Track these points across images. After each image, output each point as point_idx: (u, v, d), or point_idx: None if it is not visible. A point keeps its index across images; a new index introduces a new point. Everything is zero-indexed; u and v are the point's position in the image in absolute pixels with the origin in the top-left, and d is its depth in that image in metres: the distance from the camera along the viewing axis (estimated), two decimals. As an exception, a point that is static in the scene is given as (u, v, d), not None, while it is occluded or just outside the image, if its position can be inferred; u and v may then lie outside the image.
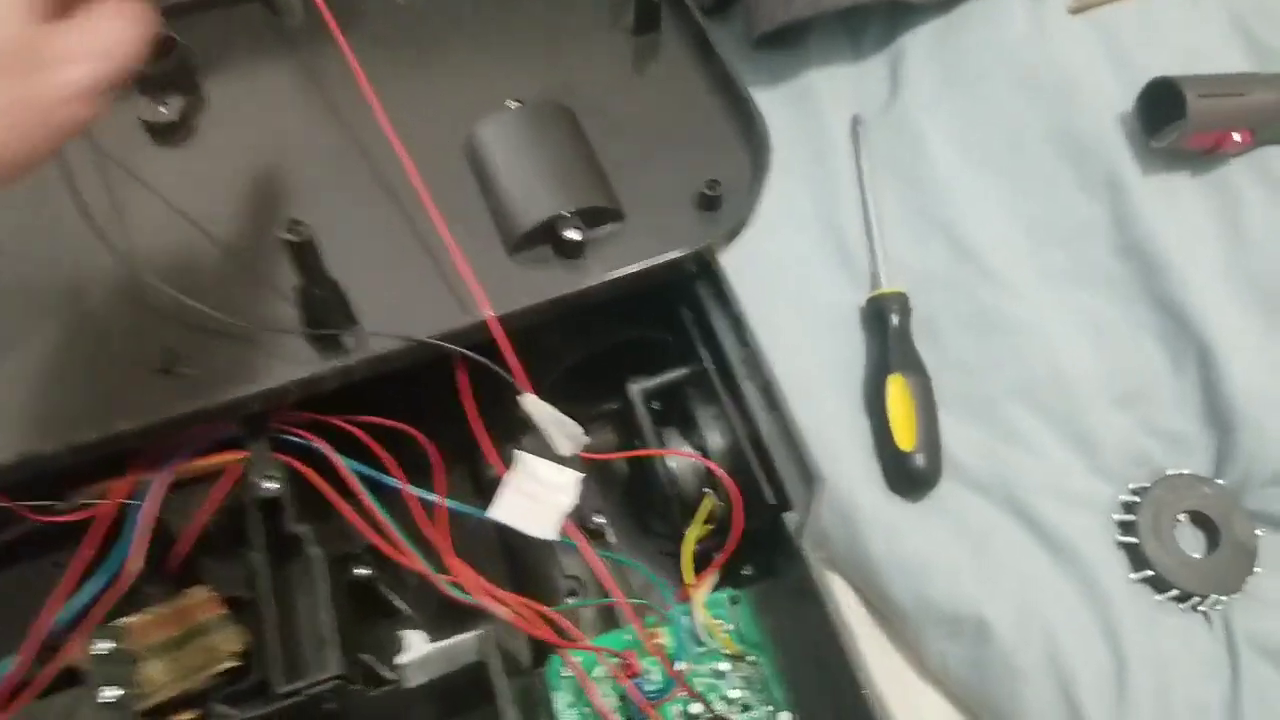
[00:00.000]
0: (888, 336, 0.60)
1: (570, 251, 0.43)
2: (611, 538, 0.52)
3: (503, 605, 0.39)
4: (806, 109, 0.69)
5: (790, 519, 0.39)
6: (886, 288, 0.62)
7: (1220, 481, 0.60)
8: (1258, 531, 0.58)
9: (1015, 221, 0.65)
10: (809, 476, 0.40)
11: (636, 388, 0.48)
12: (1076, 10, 0.70)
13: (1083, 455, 0.60)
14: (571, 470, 0.39)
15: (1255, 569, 0.58)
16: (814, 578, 0.37)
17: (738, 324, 0.42)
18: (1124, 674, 0.54)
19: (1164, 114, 0.64)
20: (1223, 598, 0.57)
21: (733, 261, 0.58)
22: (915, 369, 0.59)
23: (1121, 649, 0.54)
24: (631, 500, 0.53)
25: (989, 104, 0.68)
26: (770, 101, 0.67)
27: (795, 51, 0.72)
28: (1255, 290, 0.63)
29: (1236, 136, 0.64)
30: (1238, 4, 0.72)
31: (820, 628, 0.39)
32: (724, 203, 0.45)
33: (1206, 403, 0.61)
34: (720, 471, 0.44)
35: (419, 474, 0.43)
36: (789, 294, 0.61)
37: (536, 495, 0.39)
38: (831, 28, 0.72)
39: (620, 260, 0.43)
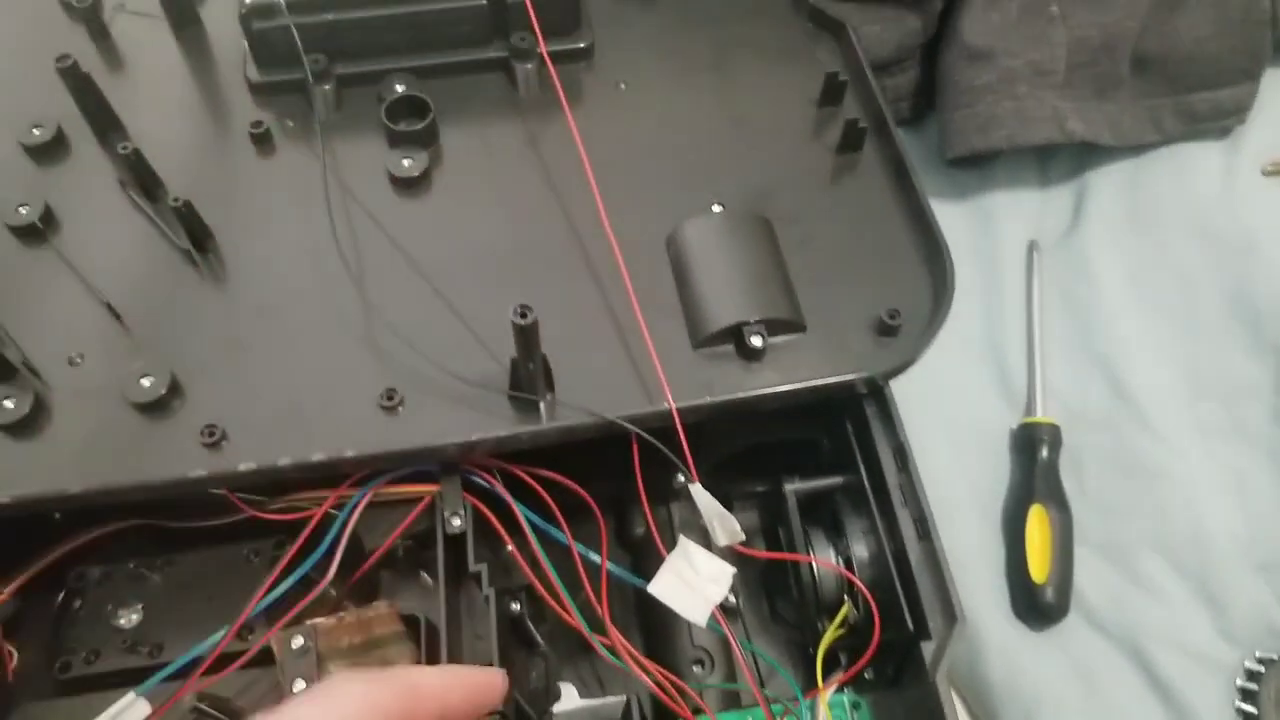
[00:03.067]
0: (1035, 466, 0.62)
1: (751, 355, 0.47)
2: (742, 619, 0.55)
3: (646, 674, 0.42)
4: (986, 229, 0.72)
5: (927, 649, 0.42)
6: (1040, 416, 0.64)
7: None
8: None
9: (1176, 370, 0.66)
10: (951, 614, 0.42)
11: (791, 488, 0.51)
12: (1271, 173, 0.71)
13: (1212, 614, 0.60)
14: (725, 563, 0.43)
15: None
16: (942, 712, 0.39)
17: (901, 452, 0.45)
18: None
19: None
20: (1336, 782, 0.57)
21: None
22: (1058, 502, 0.61)
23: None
24: (765, 584, 0.56)
25: (1168, 251, 0.70)
26: (950, 216, 0.70)
27: (983, 171, 0.75)
28: None
29: None
30: None
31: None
32: (901, 332, 0.48)
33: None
34: (862, 586, 0.47)
35: (577, 527, 0.47)
36: (945, 412, 0.64)
37: (691, 581, 0.42)
38: (1021, 154, 0.75)
39: (795, 372, 0.46)
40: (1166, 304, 0.68)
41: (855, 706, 0.49)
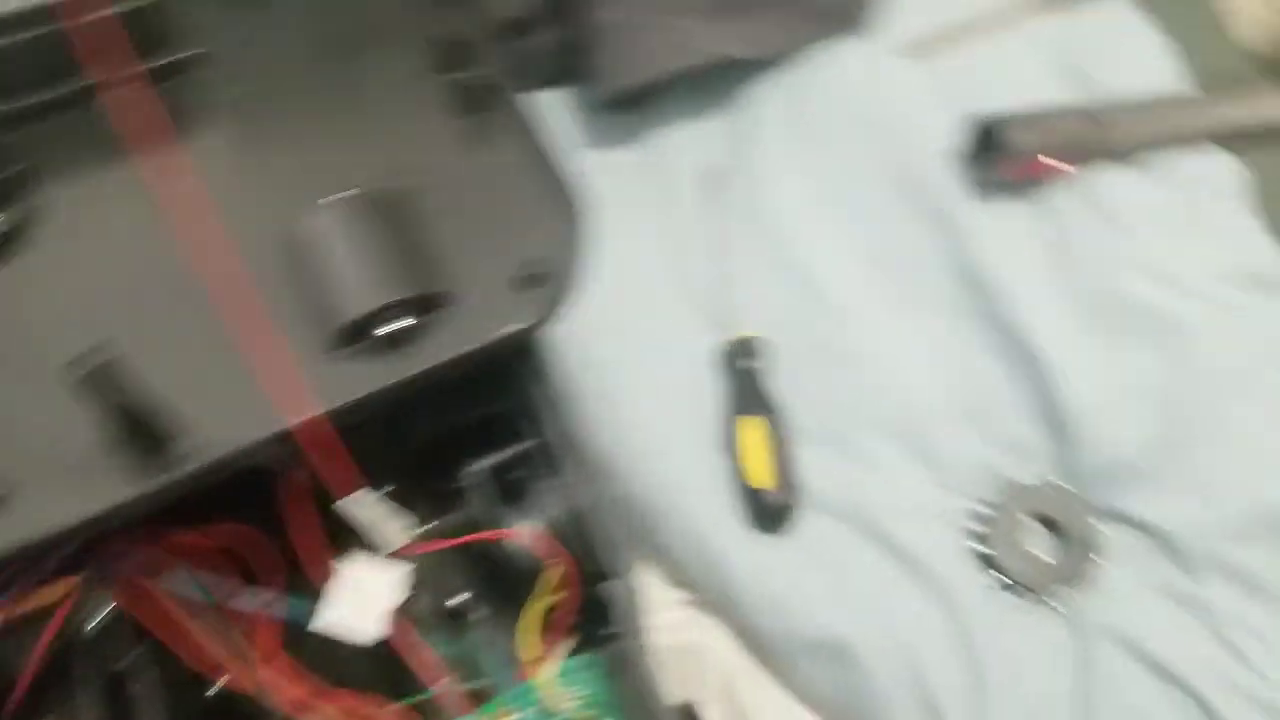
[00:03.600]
0: (743, 379, 0.64)
1: (397, 341, 0.46)
2: (476, 615, 0.54)
3: (325, 709, 0.41)
4: (660, 165, 0.72)
5: (612, 588, 0.42)
6: (739, 333, 0.65)
7: (1061, 484, 0.63)
8: (1100, 527, 0.62)
9: (859, 256, 0.69)
10: (633, 543, 0.42)
11: (473, 469, 0.51)
12: (910, 54, 0.75)
13: (931, 472, 0.63)
14: (397, 565, 0.42)
15: (1098, 561, 0.61)
16: (630, 645, 0.40)
17: (557, 399, 0.45)
18: (981, 676, 0.57)
19: (988, 148, 0.68)
20: (1071, 591, 0.61)
21: (581, 329, 0.61)
22: (768, 409, 0.63)
23: (977, 653, 0.58)
24: (479, 574, 0.56)
25: (829, 147, 0.72)
26: (621, 164, 0.71)
27: (647, 111, 0.76)
28: (1081, 305, 0.67)
29: (1056, 165, 0.68)
30: (1064, 42, 0.77)
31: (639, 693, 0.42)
32: (549, 283, 0.48)
33: (1043, 412, 0.65)
34: (551, 544, 0.47)
35: (274, 572, 0.44)
36: (651, 346, 0.64)
37: (361, 599, 0.41)
38: (682, 85, 0.75)
39: (447, 346, 0.46)
40: (836, 197, 0.71)
41: (590, 666, 0.49)
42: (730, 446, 0.62)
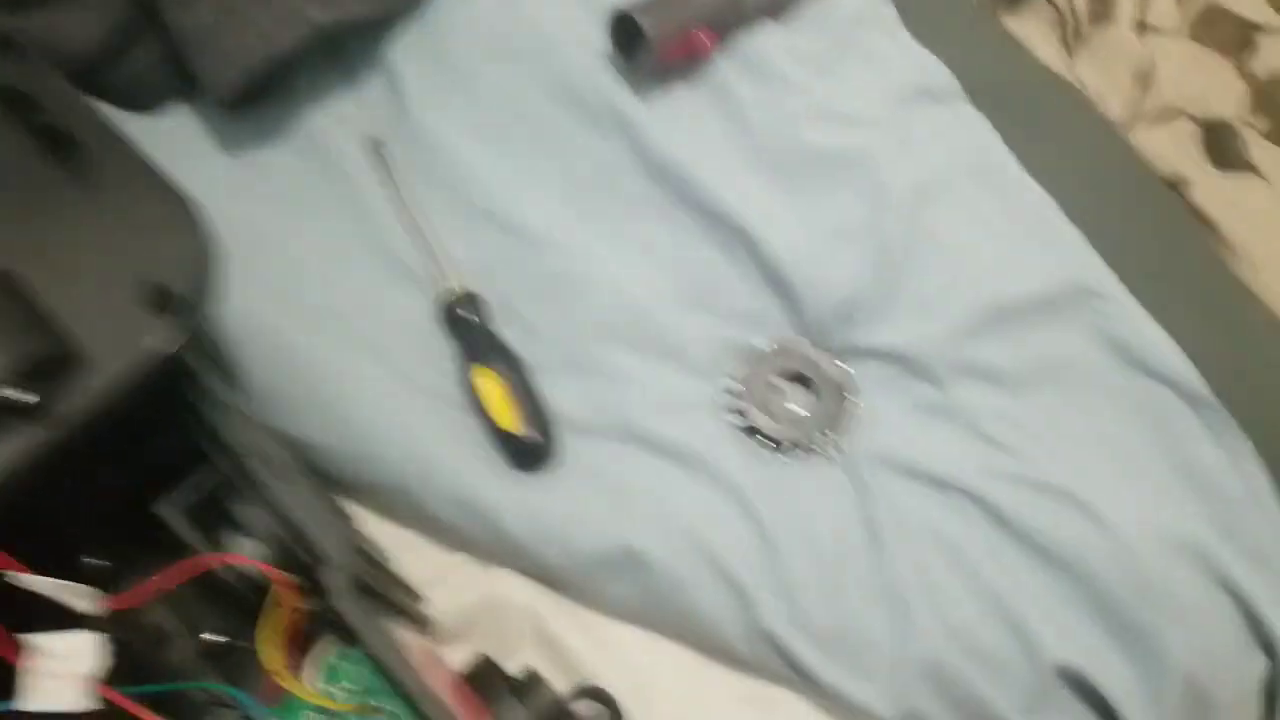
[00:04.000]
0: (464, 333, 0.62)
1: (26, 415, 0.41)
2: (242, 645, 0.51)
3: None
4: (319, 152, 0.69)
5: (328, 575, 0.40)
6: (450, 290, 0.64)
7: (799, 339, 0.65)
8: (846, 367, 0.64)
9: (549, 180, 0.68)
10: (344, 528, 0.40)
11: (167, 508, 0.48)
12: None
13: (676, 365, 0.64)
14: (85, 633, 0.39)
15: (853, 400, 0.63)
16: (352, 622, 0.38)
17: (266, 404, 0.43)
18: (770, 540, 0.58)
19: (633, 40, 0.68)
20: (835, 434, 0.62)
21: (281, 327, 0.59)
22: (497, 354, 0.61)
23: (760, 520, 0.58)
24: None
25: (482, 85, 0.70)
26: (279, 154, 0.67)
27: (288, 101, 0.71)
28: (768, 167, 0.68)
29: (704, 40, 0.69)
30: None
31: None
32: (178, 302, 0.44)
33: (763, 278, 0.66)
34: (271, 558, 0.45)
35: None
36: (370, 334, 0.62)
37: (59, 670, 0.38)
38: (312, 65, 0.71)
39: (82, 403, 0.42)
40: (509, 132, 0.69)
41: (353, 659, 0.46)
42: (473, 400, 0.61)
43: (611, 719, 0.55)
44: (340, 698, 0.45)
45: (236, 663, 0.45)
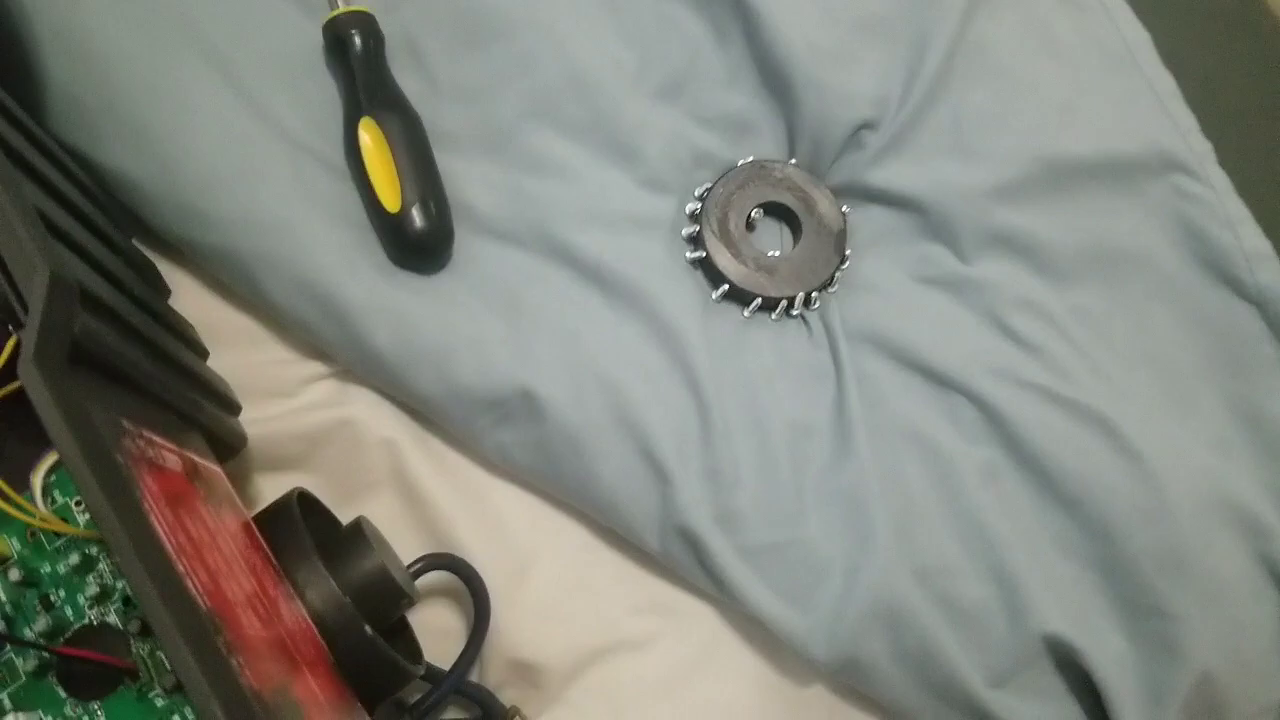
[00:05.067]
0: (348, 70, 0.46)
1: None
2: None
3: None
4: None
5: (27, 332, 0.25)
6: (342, 6, 0.47)
7: (793, 162, 0.49)
8: (844, 209, 0.49)
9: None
10: (34, 274, 0.25)
11: None
12: None
13: (626, 168, 0.48)
14: None
15: (847, 251, 0.48)
16: (36, 407, 0.23)
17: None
18: (708, 412, 0.44)
19: None
20: (816, 294, 0.47)
21: (86, 11, 0.42)
22: (393, 106, 0.45)
23: (699, 384, 0.44)
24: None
25: None
26: None
27: None
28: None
29: None
30: None
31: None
32: None
33: (760, 72, 0.50)
34: None
35: None
36: (210, 43, 0.45)
37: None
38: None
39: None
40: None
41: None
42: (353, 162, 0.45)
43: (472, 599, 0.41)
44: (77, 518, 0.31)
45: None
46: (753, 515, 0.43)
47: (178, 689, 0.30)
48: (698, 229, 0.47)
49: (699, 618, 0.45)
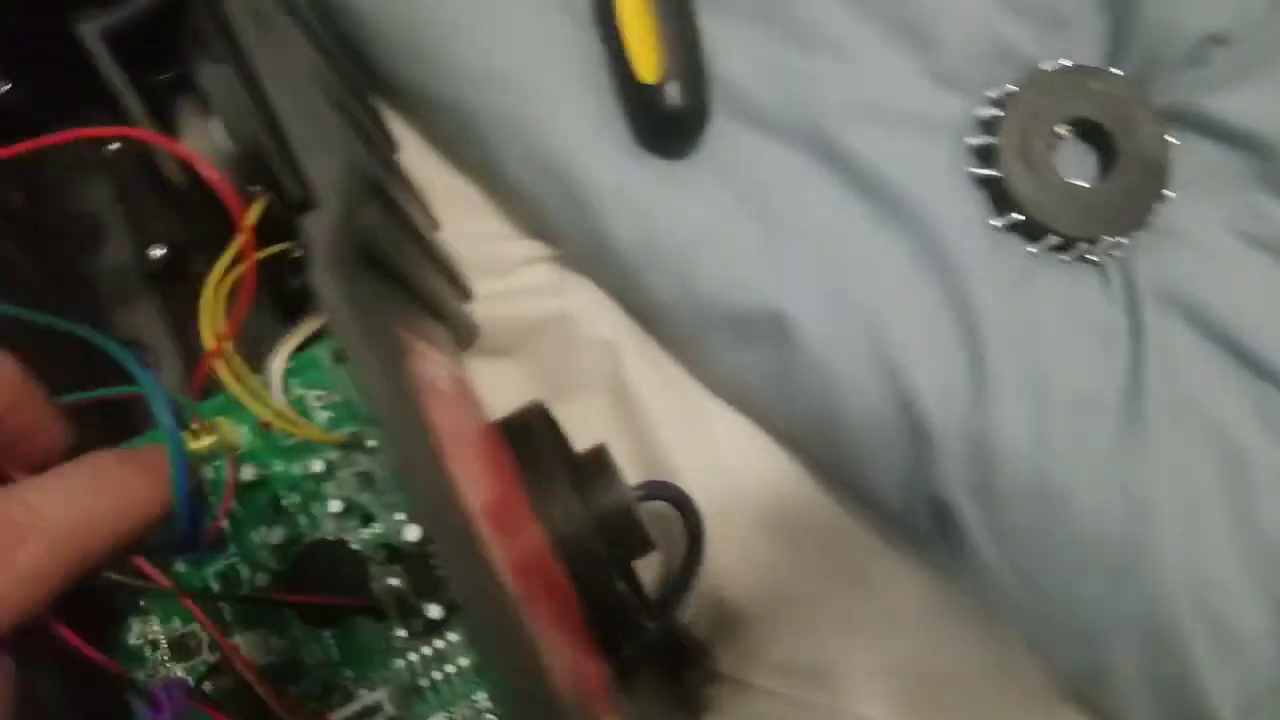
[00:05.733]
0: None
1: None
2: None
3: None
4: None
5: (312, 221, 0.21)
6: None
7: (1116, 71, 0.41)
8: (1170, 138, 0.41)
9: None
10: (360, 153, 0.21)
11: (88, 28, 0.27)
12: None
13: (917, 55, 0.41)
14: None
15: (1166, 192, 0.40)
16: (323, 299, 0.19)
17: None
18: (982, 364, 0.37)
19: None
20: (1122, 239, 0.40)
21: None
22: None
23: (977, 327, 0.37)
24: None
25: None
26: None
27: None
28: None
29: None
30: None
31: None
32: None
33: (1093, -46, 0.41)
34: (211, 173, 0.25)
35: None
36: None
37: None
38: None
39: None
40: None
41: (339, 358, 0.27)
42: (605, 20, 0.39)
43: (687, 537, 0.37)
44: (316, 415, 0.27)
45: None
46: (1016, 491, 0.37)
47: (429, 630, 0.26)
48: (991, 140, 0.40)
49: (899, 590, 0.40)
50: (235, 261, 0.26)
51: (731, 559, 0.39)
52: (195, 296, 0.31)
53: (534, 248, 0.40)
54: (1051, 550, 0.37)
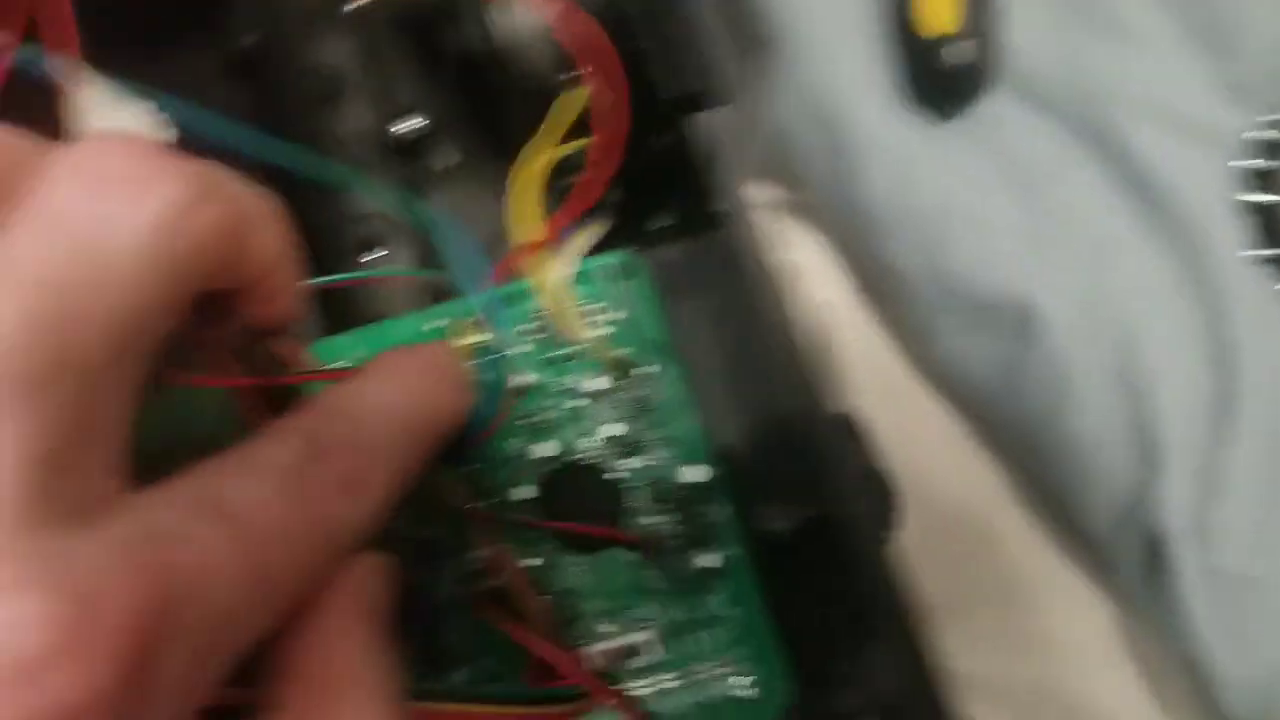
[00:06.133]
0: None
1: None
2: (444, 159, 0.31)
3: None
4: None
5: (704, 122, 0.18)
6: None
7: None
8: None
9: None
10: (751, 42, 0.19)
11: None
12: None
13: (1213, 59, 0.38)
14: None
15: None
16: (741, 233, 0.17)
17: None
18: (1231, 398, 0.35)
19: None
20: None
21: None
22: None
23: (1233, 361, 0.35)
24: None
25: None
26: None
27: None
28: None
29: None
30: None
31: (752, 316, 0.20)
32: None
33: None
34: (586, 28, 0.22)
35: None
36: None
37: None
38: None
39: None
40: None
41: (629, 274, 0.25)
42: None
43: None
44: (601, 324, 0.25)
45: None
46: (1234, 535, 0.35)
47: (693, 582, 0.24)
48: (1268, 165, 0.37)
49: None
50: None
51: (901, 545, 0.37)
52: (430, 181, 0.29)
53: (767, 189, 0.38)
54: (1256, 600, 0.35)
